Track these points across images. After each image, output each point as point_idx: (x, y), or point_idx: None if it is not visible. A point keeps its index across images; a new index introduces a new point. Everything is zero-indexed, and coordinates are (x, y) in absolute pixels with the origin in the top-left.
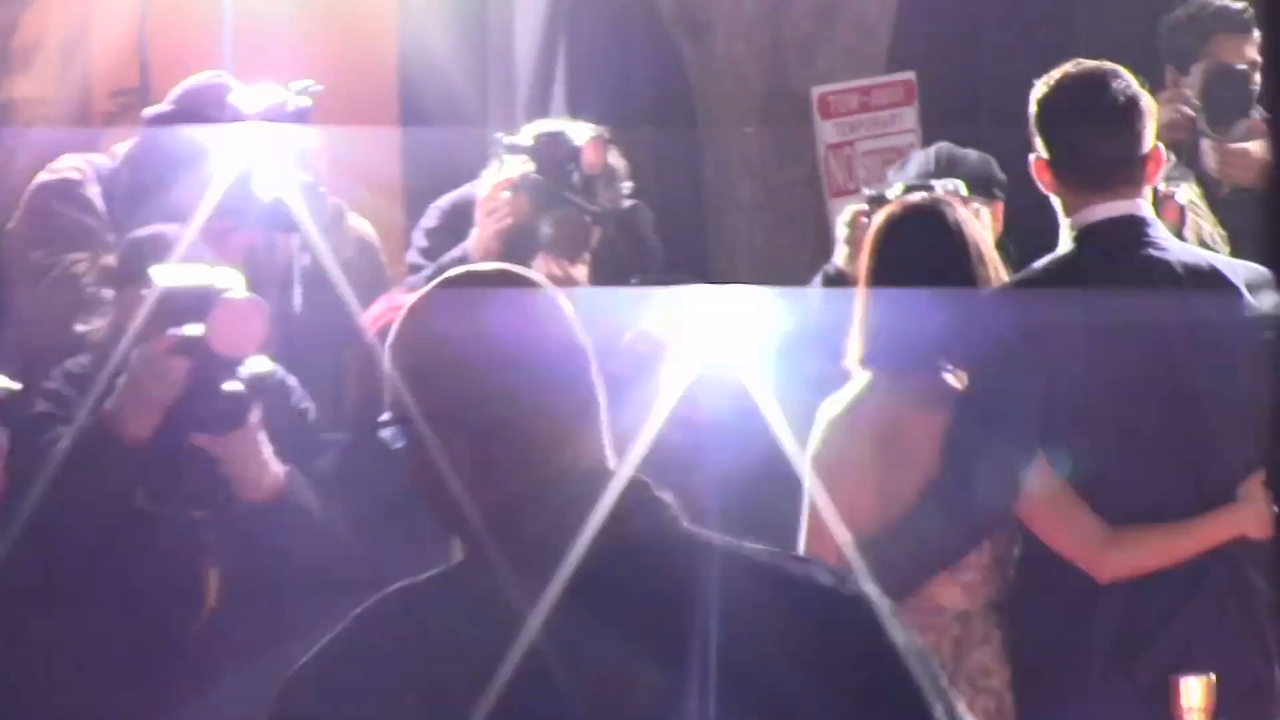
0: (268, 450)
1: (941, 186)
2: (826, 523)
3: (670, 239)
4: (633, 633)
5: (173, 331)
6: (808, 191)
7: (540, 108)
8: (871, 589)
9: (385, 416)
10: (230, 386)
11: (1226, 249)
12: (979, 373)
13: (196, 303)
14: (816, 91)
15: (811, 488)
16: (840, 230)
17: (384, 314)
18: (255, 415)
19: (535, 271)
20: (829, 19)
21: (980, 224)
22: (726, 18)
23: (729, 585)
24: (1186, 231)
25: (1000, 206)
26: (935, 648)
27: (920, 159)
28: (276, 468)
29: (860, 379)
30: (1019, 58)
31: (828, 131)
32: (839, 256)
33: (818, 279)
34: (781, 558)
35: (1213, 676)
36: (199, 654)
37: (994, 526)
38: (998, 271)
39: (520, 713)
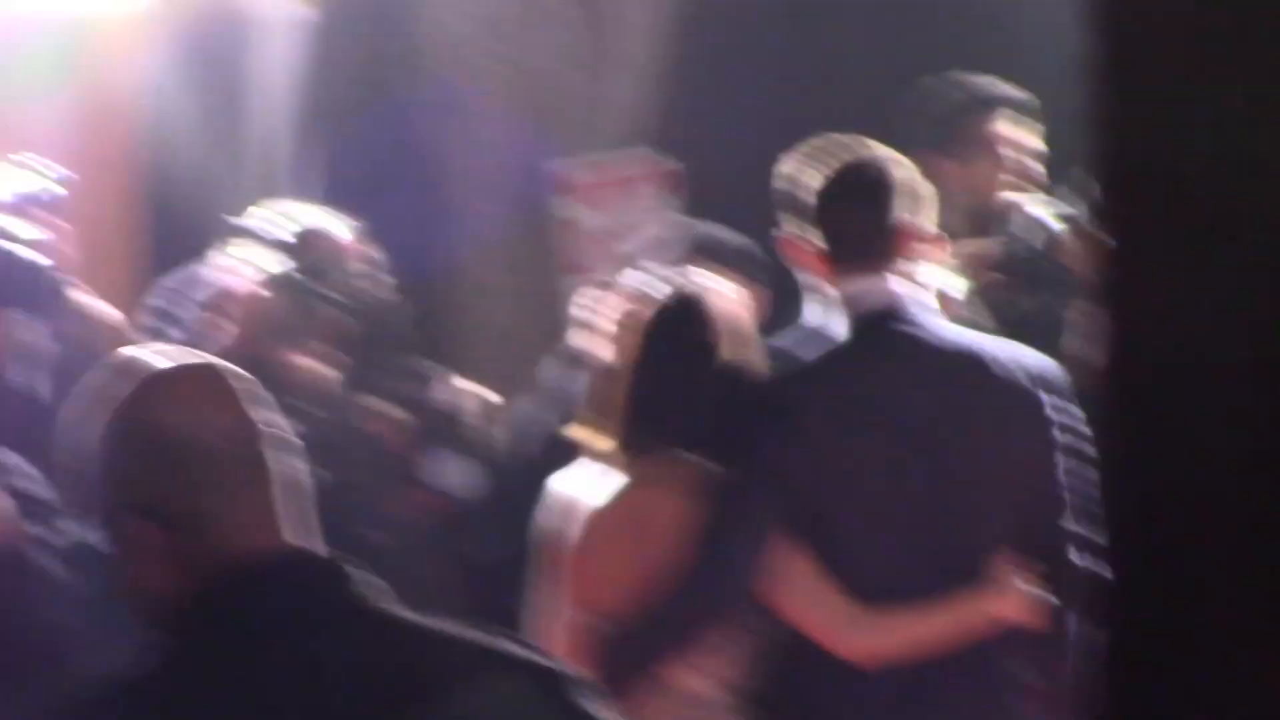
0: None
1: (685, 284)
2: (558, 605)
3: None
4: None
5: None
6: (546, 269)
7: (271, 187)
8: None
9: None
10: None
11: None
12: (738, 454)
13: None
14: (554, 168)
15: (542, 569)
16: (579, 313)
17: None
18: None
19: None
20: (571, 95)
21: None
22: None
23: (425, 668)
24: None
25: (762, 292)
26: None
27: (680, 239)
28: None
29: (601, 463)
30: (768, 134)
31: (567, 209)
32: (576, 338)
33: (557, 368)
34: (491, 640)
35: None
36: None
37: (741, 603)
38: (756, 356)
39: None
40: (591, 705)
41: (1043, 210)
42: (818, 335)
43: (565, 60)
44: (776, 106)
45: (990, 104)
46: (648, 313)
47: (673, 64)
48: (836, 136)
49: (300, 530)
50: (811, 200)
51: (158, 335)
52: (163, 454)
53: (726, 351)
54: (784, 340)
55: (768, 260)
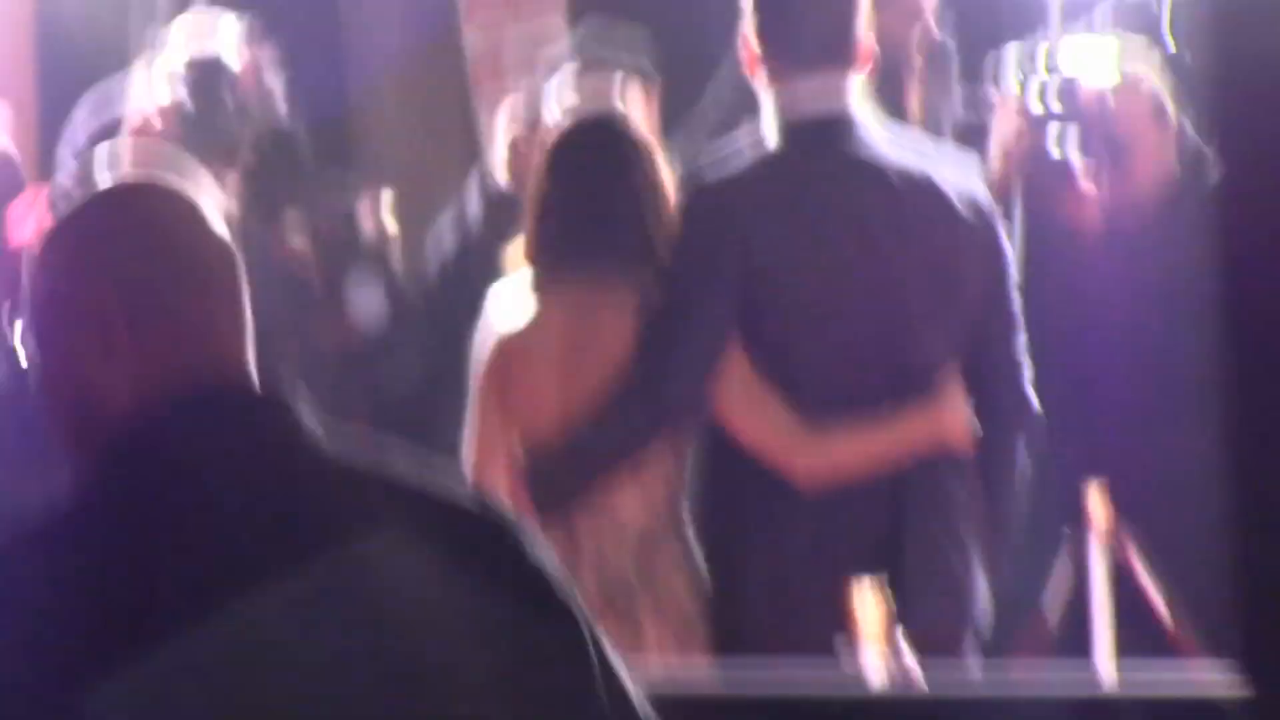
0: None
1: (595, 108)
2: (494, 432)
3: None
4: (260, 562)
5: None
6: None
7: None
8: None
9: (21, 316)
10: None
11: None
12: (674, 268)
13: None
14: None
15: (478, 398)
16: (501, 152)
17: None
18: None
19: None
20: None
21: (648, 114)
22: None
23: (368, 513)
24: None
25: (656, 85)
26: (621, 565)
27: (570, 38)
28: None
29: (527, 286)
30: None
31: (473, 29)
32: (500, 174)
33: (474, 192)
34: (427, 481)
35: (884, 576)
36: None
37: (678, 419)
38: (668, 174)
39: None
40: (528, 554)
41: None
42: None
43: None
44: None
45: None
46: (552, 133)
47: None
48: None
49: (244, 357)
50: None
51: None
52: (148, 242)
53: (639, 167)
54: (741, 162)
55: (657, 55)
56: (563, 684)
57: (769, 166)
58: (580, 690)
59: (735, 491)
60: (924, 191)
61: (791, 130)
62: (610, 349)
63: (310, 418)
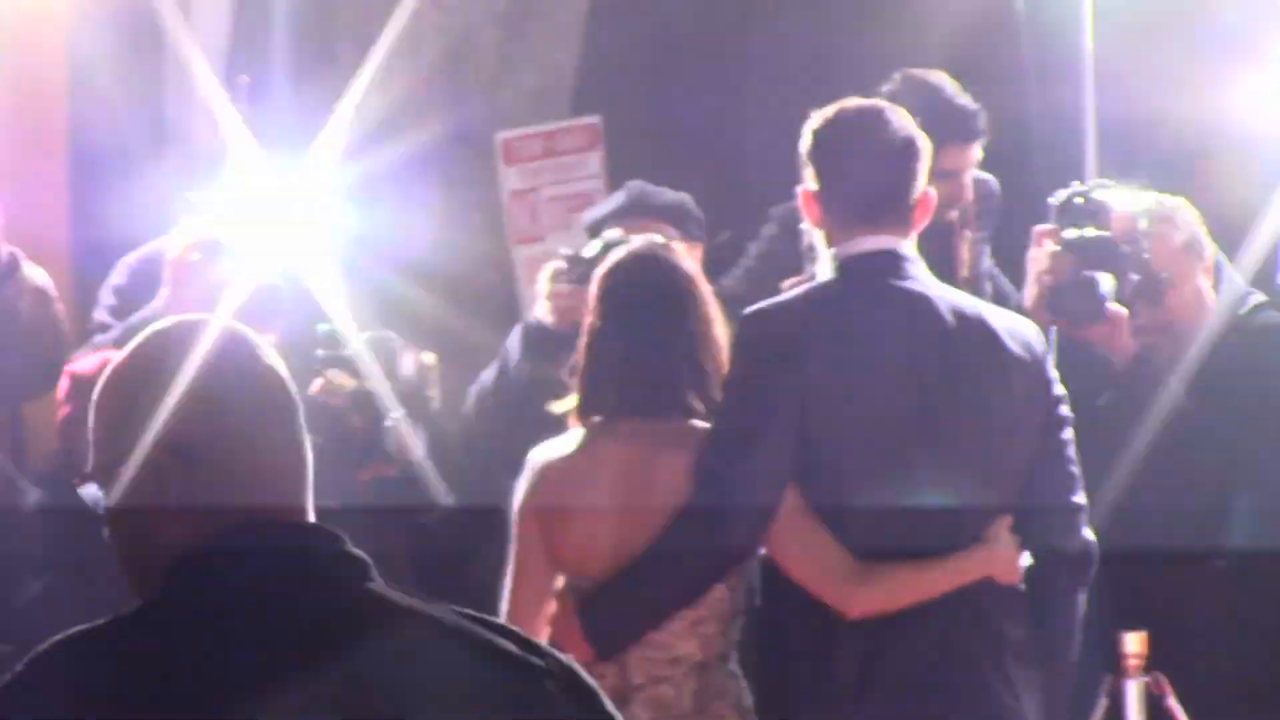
0: None
1: (644, 240)
2: (538, 572)
3: (365, 288)
4: (316, 693)
5: None
6: (492, 238)
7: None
8: (567, 660)
9: (90, 464)
10: None
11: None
12: (729, 399)
13: None
14: (500, 137)
15: (522, 542)
16: (543, 286)
17: (98, 366)
18: None
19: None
20: (513, 61)
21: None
22: (407, 60)
23: (418, 651)
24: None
25: (700, 247)
26: (674, 700)
27: (614, 198)
28: None
29: (581, 428)
30: (705, 99)
31: (511, 178)
32: (542, 310)
33: (515, 332)
34: (477, 622)
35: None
36: None
37: (742, 557)
38: (718, 309)
39: None
40: (569, 702)
41: None
42: (824, 289)
43: (486, 18)
44: (695, 60)
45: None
46: (602, 276)
47: (591, 19)
48: (861, 99)
49: (306, 500)
50: (835, 157)
51: (117, 315)
52: (202, 391)
53: (691, 300)
54: (794, 293)
55: (699, 215)
56: None
57: (822, 293)
58: None
59: (785, 624)
60: (974, 324)
61: (846, 264)
62: (667, 488)
63: (360, 554)
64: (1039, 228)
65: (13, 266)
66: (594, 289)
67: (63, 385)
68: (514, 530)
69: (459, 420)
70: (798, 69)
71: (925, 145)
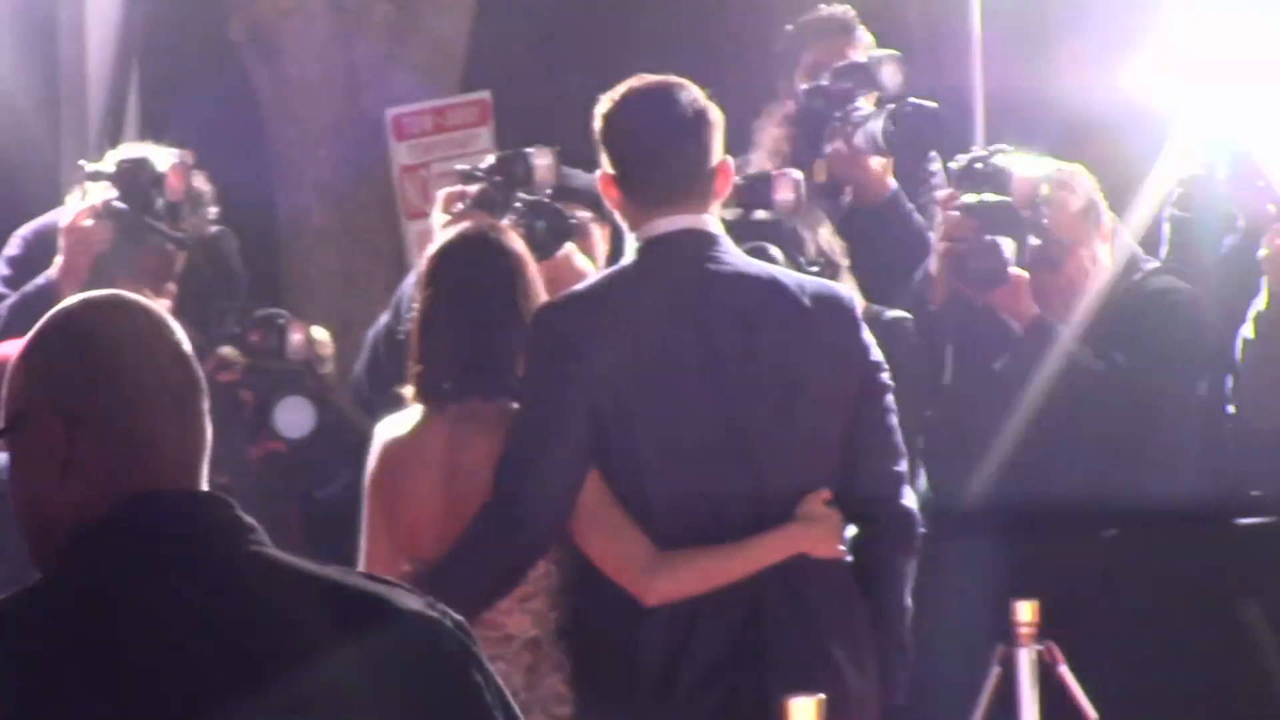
0: None
1: (474, 222)
2: (383, 546)
3: (246, 264)
4: (209, 658)
5: None
6: (382, 214)
7: (114, 136)
8: (455, 614)
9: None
10: None
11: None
12: (524, 394)
13: None
14: (390, 112)
15: (369, 515)
16: (436, 218)
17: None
18: None
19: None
20: (402, 39)
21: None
22: (297, 39)
23: (310, 610)
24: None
25: (609, 227)
26: (508, 676)
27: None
28: None
29: (416, 407)
30: (596, 73)
31: (402, 153)
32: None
33: (409, 279)
34: (365, 580)
35: (822, 697)
36: None
37: (537, 554)
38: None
39: None
40: (474, 657)
41: None
42: (624, 273)
43: None
44: (582, 35)
45: None
46: (432, 257)
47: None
48: (649, 76)
49: (199, 472)
50: (626, 139)
51: (12, 285)
52: (101, 363)
53: (515, 279)
54: (592, 280)
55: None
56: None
57: (617, 279)
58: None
59: (593, 614)
60: (776, 298)
61: (645, 246)
62: (482, 472)
63: (248, 519)
64: (940, 193)
65: None
66: (424, 269)
67: None
68: (364, 505)
69: (352, 380)
70: (682, 43)
71: (717, 117)
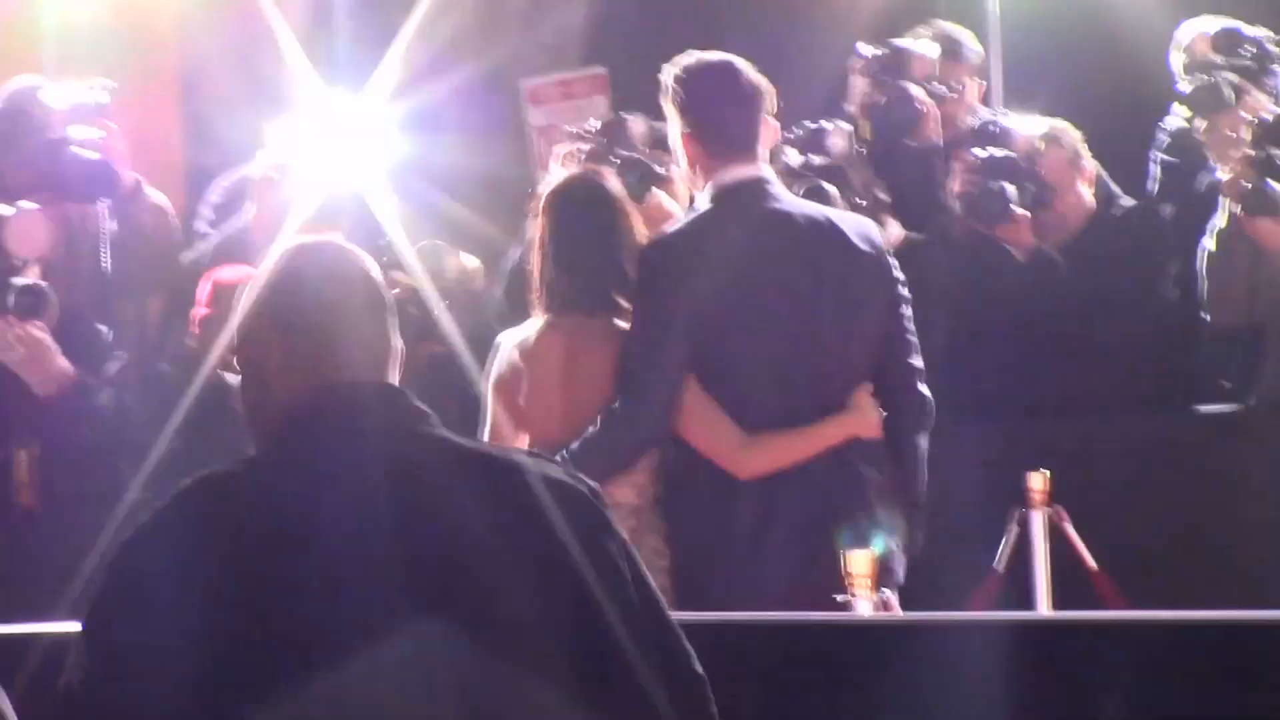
0: (55, 350)
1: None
2: (508, 436)
3: (417, 205)
4: (388, 517)
5: None
6: (519, 166)
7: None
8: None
9: (233, 340)
10: (26, 280)
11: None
12: (638, 315)
13: None
14: (524, 83)
15: (494, 407)
16: (554, 167)
17: (236, 279)
18: (51, 311)
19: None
20: (534, 24)
21: (674, 190)
22: (448, 15)
23: (472, 477)
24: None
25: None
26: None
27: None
28: (66, 367)
29: (538, 319)
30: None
31: (535, 116)
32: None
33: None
34: (518, 453)
35: (874, 550)
36: (22, 529)
37: (658, 440)
38: (645, 230)
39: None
40: (598, 510)
41: None
42: (707, 217)
43: None
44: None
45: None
46: (549, 194)
47: None
48: (708, 53)
49: (387, 371)
50: (706, 102)
51: (214, 226)
52: (309, 287)
53: (618, 218)
54: (679, 223)
55: None
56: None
57: (705, 219)
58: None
59: (691, 485)
60: (827, 229)
61: (721, 192)
62: (601, 371)
63: (422, 406)
64: (958, 150)
65: (136, 189)
66: (541, 205)
67: (205, 290)
68: (487, 397)
69: (494, 302)
70: (770, 25)
71: (769, 87)
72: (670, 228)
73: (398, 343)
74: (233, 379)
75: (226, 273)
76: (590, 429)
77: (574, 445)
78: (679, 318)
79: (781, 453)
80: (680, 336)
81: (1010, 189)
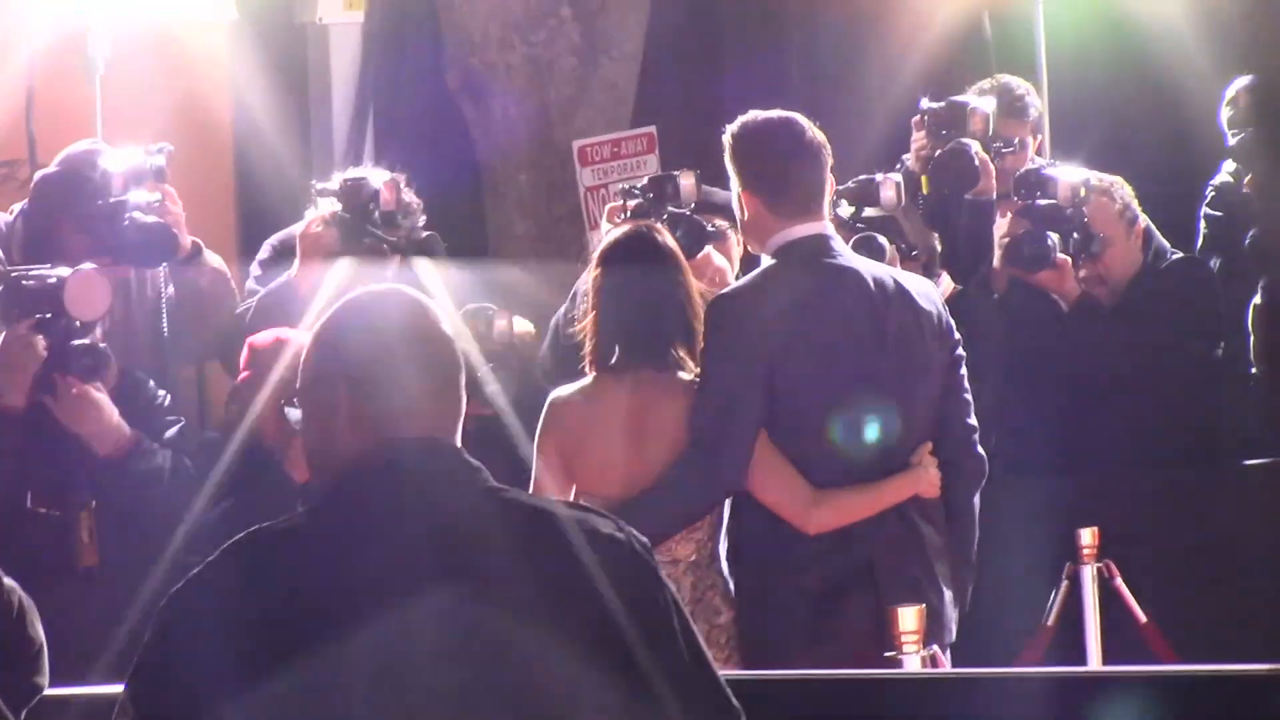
0: (114, 411)
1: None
2: (553, 491)
3: (462, 266)
4: (441, 567)
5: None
6: (571, 226)
7: (355, 165)
8: (642, 538)
9: (298, 386)
10: (88, 341)
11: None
12: (712, 368)
13: (44, 289)
14: (576, 144)
15: (544, 464)
16: (604, 224)
17: (272, 341)
18: (110, 372)
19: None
20: (585, 84)
21: (726, 248)
22: (500, 85)
23: (524, 529)
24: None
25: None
26: (676, 590)
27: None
28: (125, 428)
29: (592, 374)
30: (738, 112)
31: (586, 177)
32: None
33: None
34: (567, 507)
35: (923, 606)
36: (82, 588)
37: (734, 492)
38: (699, 284)
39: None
40: (646, 564)
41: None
42: (771, 272)
43: (565, 50)
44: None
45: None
46: (604, 249)
47: (651, 51)
48: (769, 111)
49: (450, 427)
50: (769, 159)
51: (262, 283)
52: (378, 340)
53: (677, 270)
54: (745, 279)
55: None
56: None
57: (770, 276)
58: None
59: (757, 539)
60: (892, 288)
61: (786, 248)
62: (664, 428)
63: (475, 462)
64: (1002, 202)
65: (195, 252)
66: (596, 259)
67: (244, 354)
68: (535, 456)
69: (538, 358)
70: (821, 87)
71: (826, 143)
72: (739, 282)
73: (463, 399)
74: (273, 436)
75: (262, 336)
76: (659, 482)
77: (640, 498)
78: (755, 370)
79: (850, 509)
80: (756, 388)
81: (1053, 237)
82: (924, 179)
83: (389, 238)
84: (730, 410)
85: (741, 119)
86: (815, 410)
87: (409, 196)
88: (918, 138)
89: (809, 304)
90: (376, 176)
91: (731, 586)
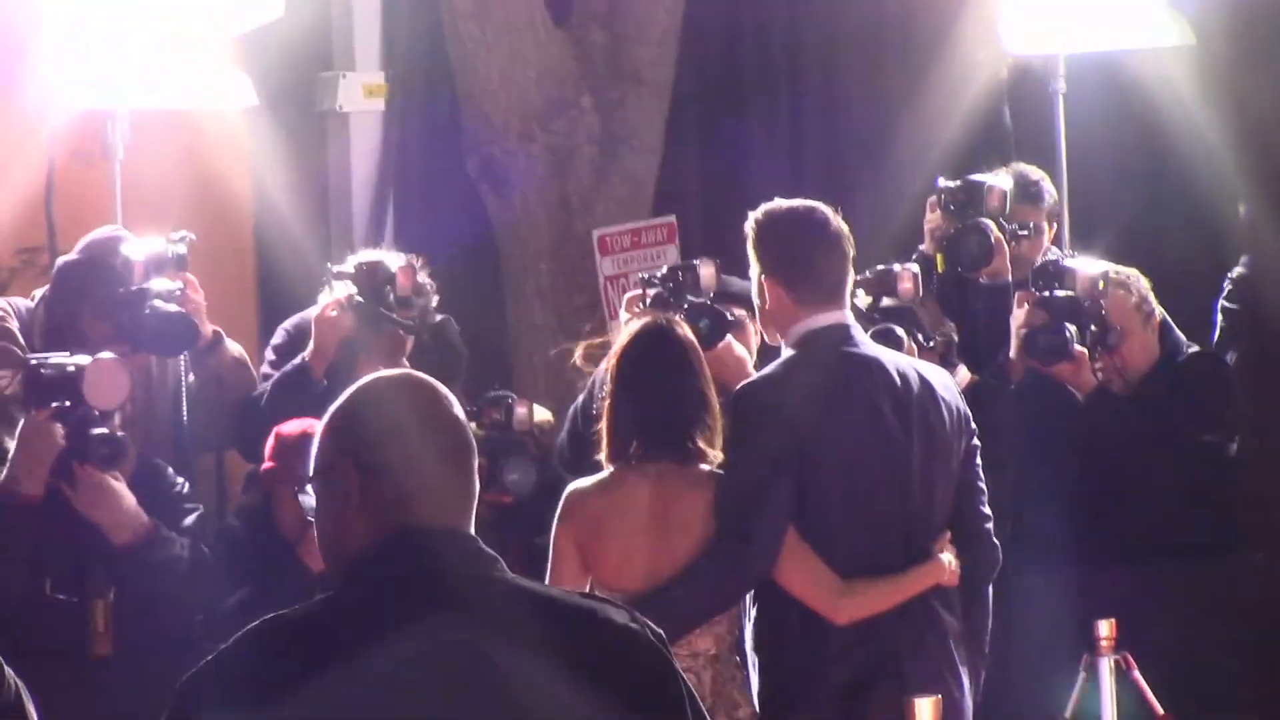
0: (132, 500)
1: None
2: (570, 583)
3: (480, 356)
4: (457, 659)
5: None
6: (592, 316)
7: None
8: (655, 627)
9: (310, 472)
10: (106, 430)
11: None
12: (739, 459)
13: (63, 377)
14: (596, 233)
15: (561, 555)
16: (623, 315)
17: (299, 431)
18: (129, 461)
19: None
20: (604, 175)
21: (745, 337)
22: (521, 175)
23: (538, 621)
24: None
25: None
26: (696, 687)
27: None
28: (142, 516)
29: (609, 468)
30: (757, 202)
31: (606, 266)
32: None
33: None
34: (581, 598)
35: (939, 697)
36: (95, 678)
37: (762, 581)
38: (711, 376)
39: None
40: (670, 663)
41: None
42: (793, 363)
43: (585, 140)
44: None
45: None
46: (622, 345)
47: (671, 141)
48: (791, 200)
49: (463, 516)
50: (792, 247)
51: (276, 367)
52: (390, 426)
53: (695, 364)
54: (767, 370)
55: None
56: None
57: (794, 366)
58: None
59: (782, 630)
60: (913, 378)
61: (808, 337)
62: (686, 520)
63: (490, 551)
64: (1020, 292)
65: (216, 341)
66: (614, 354)
67: (270, 444)
68: (551, 549)
69: (556, 447)
70: (842, 176)
71: (849, 236)
72: (764, 371)
73: (476, 483)
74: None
75: (289, 426)
76: (687, 572)
77: (668, 589)
78: (783, 459)
79: (877, 599)
80: (785, 477)
81: (1070, 328)
82: (939, 256)
83: (403, 320)
84: (759, 499)
85: (765, 206)
86: (838, 500)
87: (423, 279)
88: (932, 218)
89: (834, 393)
90: (393, 259)
91: (754, 678)
